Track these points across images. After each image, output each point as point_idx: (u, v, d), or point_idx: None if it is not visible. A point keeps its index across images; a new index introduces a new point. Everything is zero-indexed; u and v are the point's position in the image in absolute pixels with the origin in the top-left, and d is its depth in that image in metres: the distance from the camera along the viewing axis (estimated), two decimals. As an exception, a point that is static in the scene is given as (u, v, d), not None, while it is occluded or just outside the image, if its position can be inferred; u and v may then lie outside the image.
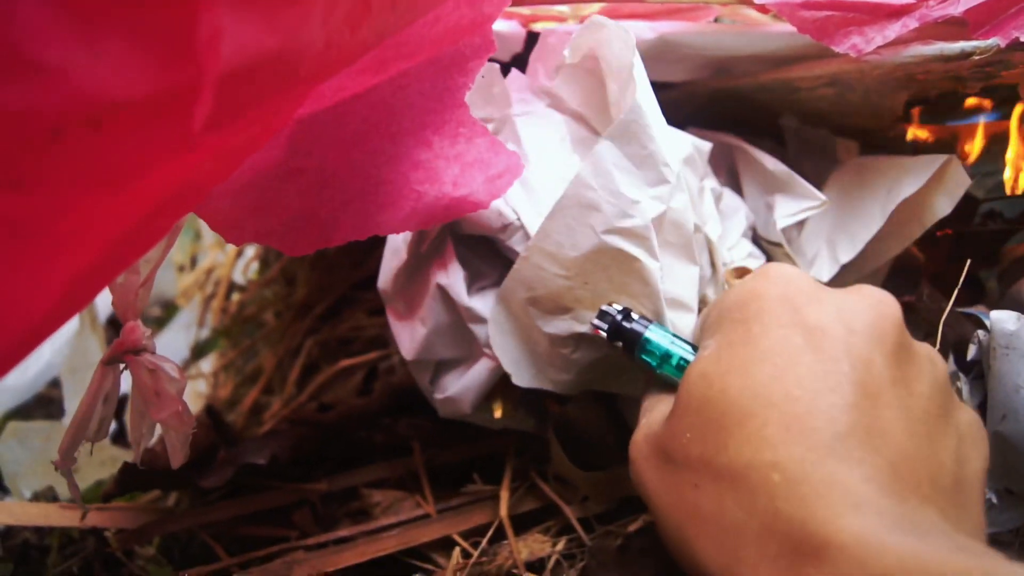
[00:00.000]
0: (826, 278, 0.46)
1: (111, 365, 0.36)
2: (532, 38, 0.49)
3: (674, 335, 0.36)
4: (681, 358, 0.35)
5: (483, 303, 0.43)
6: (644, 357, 0.36)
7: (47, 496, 0.58)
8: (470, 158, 0.38)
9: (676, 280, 0.39)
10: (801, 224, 0.48)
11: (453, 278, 0.43)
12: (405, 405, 0.55)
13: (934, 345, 0.39)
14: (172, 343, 0.81)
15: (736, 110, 0.54)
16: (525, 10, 0.50)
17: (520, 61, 0.49)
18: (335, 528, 0.48)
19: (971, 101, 0.46)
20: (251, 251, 0.80)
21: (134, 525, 0.48)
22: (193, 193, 0.24)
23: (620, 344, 0.37)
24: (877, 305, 0.30)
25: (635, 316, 0.37)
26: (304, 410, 0.58)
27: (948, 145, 0.48)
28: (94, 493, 0.58)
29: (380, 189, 0.37)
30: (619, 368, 0.42)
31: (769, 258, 0.49)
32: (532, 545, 0.45)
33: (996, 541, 0.37)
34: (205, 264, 0.86)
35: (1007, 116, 0.45)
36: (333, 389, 0.64)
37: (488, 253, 0.45)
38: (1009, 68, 0.41)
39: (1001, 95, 0.45)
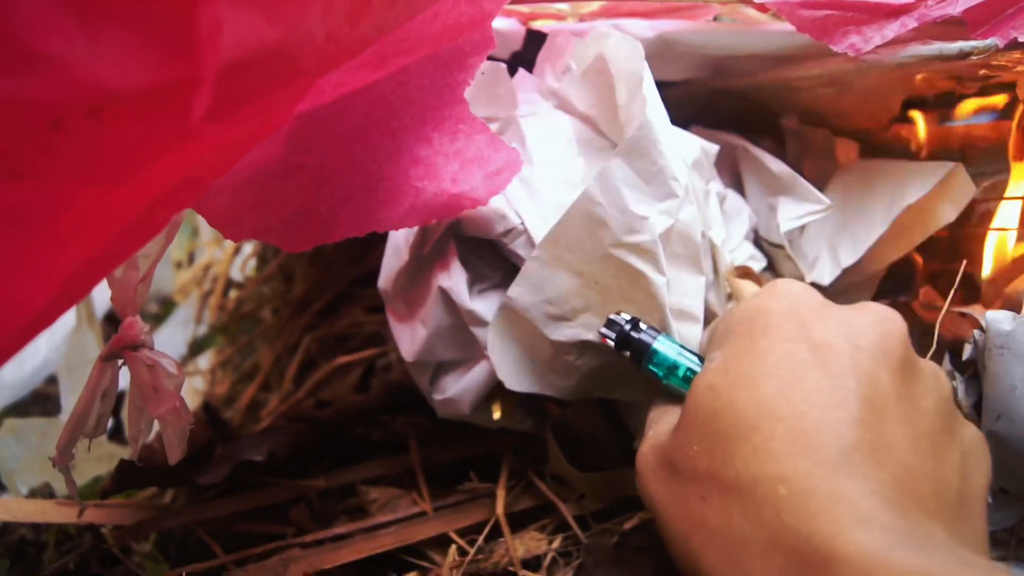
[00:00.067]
0: (827, 280, 0.46)
1: (109, 361, 0.36)
2: (531, 36, 0.49)
3: (681, 346, 0.36)
4: (688, 369, 0.35)
5: (485, 305, 0.43)
6: (651, 367, 0.36)
7: (44, 493, 0.58)
8: (470, 154, 0.38)
9: (683, 291, 0.39)
10: (803, 226, 0.48)
11: (455, 280, 0.43)
12: (403, 402, 0.55)
13: (931, 345, 0.39)
14: (169, 340, 0.81)
15: (735, 109, 0.54)
16: (524, 8, 0.50)
17: (520, 59, 0.49)
18: (332, 525, 0.48)
19: (969, 101, 0.46)
20: (249, 247, 0.80)
21: (131, 521, 0.48)
22: (193, 186, 0.24)
23: (627, 353, 0.37)
24: (883, 322, 0.30)
25: (643, 326, 0.37)
26: (301, 407, 0.58)
27: (945, 145, 0.48)
28: (91, 489, 0.58)
29: (379, 185, 0.37)
30: (622, 375, 0.42)
31: (770, 260, 0.49)
32: (528, 543, 0.45)
33: (991, 540, 0.37)
34: (203, 260, 0.86)
35: (1005, 116, 0.45)
36: (331, 386, 0.64)
37: (490, 255, 0.45)
38: (1007, 68, 0.41)
39: (999, 95, 0.45)
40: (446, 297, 0.43)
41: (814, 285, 0.46)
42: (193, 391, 0.76)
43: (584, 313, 0.39)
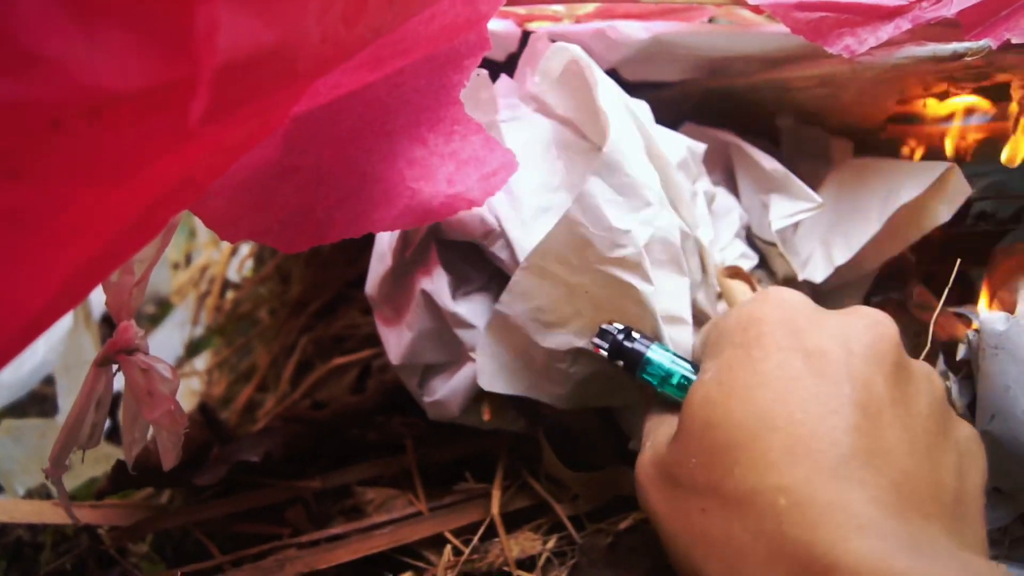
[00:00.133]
0: (820, 278, 0.46)
1: (104, 366, 0.36)
2: (527, 37, 0.49)
3: (675, 354, 0.36)
4: (683, 377, 0.35)
5: (468, 308, 0.43)
6: (646, 377, 0.36)
7: (41, 493, 0.58)
8: (465, 156, 0.38)
9: (669, 295, 0.40)
10: (796, 223, 0.48)
11: (437, 284, 0.43)
12: (398, 403, 0.55)
13: (924, 345, 0.39)
14: (166, 341, 0.81)
15: (730, 110, 0.54)
16: (520, 9, 0.50)
17: (515, 60, 0.49)
18: (328, 526, 0.48)
19: (963, 102, 0.47)
20: (245, 249, 0.80)
21: (127, 522, 0.48)
22: (191, 187, 0.24)
23: (621, 363, 0.37)
24: (875, 326, 0.30)
25: (636, 336, 0.37)
26: (298, 408, 0.58)
27: (940, 146, 0.48)
28: (88, 490, 0.58)
29: (375, 186, 0.37)
30: (615, 383, 0.42)
31: (763, 258, 0.49)
32: (523, 543, 0.45)
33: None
34: (200, 262, 0.86)
35: (999, 117, 0.45)
36: (327, 387, 0.64)
37: (474, 258, 0.45)
38: (1001, 69, 0.42)
39: (993, 96, 0.45)
40: (429, 300, 0.43)
41: (807, 283, 0.47)
42: (190, 392, 0.76)
43: (575, 320, 0.40)
